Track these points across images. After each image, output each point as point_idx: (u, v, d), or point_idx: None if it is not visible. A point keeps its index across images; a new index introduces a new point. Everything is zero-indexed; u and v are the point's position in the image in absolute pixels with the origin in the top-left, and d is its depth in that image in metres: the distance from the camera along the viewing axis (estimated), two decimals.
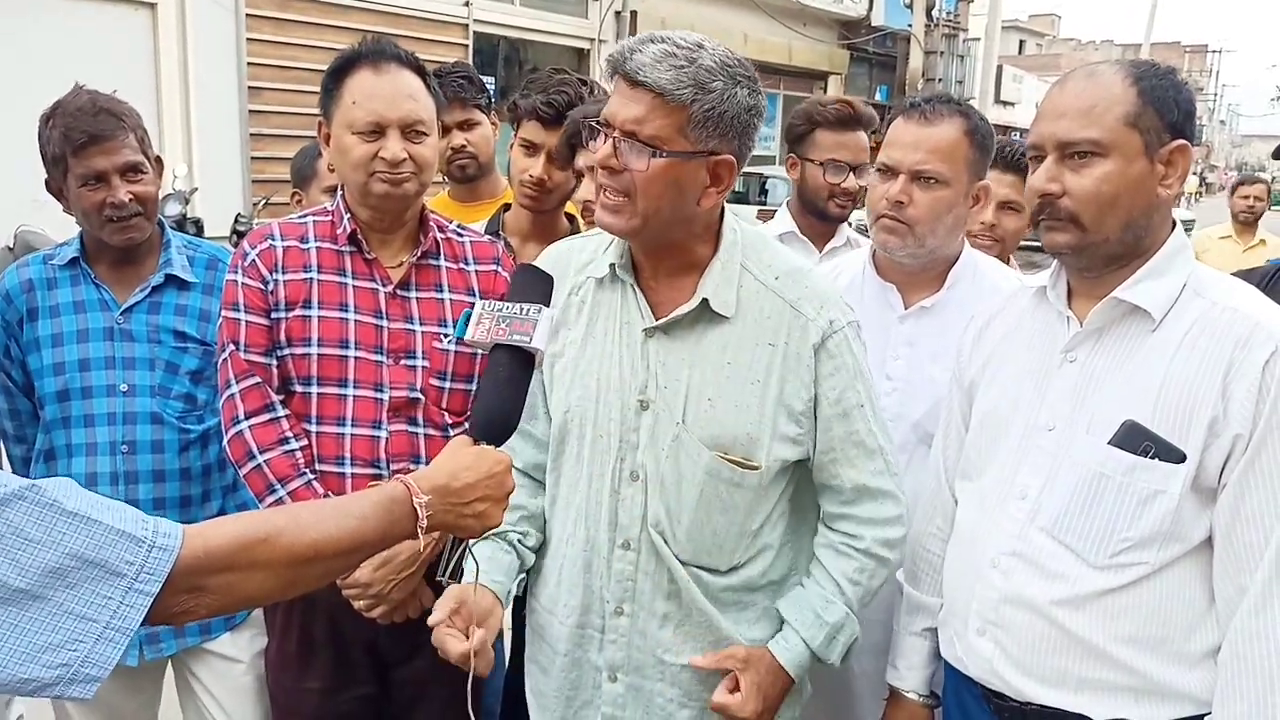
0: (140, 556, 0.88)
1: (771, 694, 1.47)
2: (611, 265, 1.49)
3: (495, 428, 1.26)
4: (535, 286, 1.33)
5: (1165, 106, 1.32)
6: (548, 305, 1.30)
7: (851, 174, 2.42)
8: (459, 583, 1.34)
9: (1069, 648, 1.36)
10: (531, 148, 2.19)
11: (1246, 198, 5.66)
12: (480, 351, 1.79)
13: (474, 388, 1.84)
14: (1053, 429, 1.41)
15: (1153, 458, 1.30)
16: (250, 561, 0.95)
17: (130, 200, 1.86)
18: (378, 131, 1.72)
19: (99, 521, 0.87)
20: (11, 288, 1.93)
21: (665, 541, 1.46)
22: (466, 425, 1.82)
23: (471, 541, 1.35)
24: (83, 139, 1.82)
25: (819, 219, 2.50)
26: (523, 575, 1.58)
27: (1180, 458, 1.29)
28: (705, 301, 1.43)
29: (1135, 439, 1.31)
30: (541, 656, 1.61)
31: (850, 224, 2.63)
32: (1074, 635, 1.35)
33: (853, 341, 1.47)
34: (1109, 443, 1.33)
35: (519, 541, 1.57)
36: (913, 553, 1.69)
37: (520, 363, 1.27)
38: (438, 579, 1.28)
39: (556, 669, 1.56)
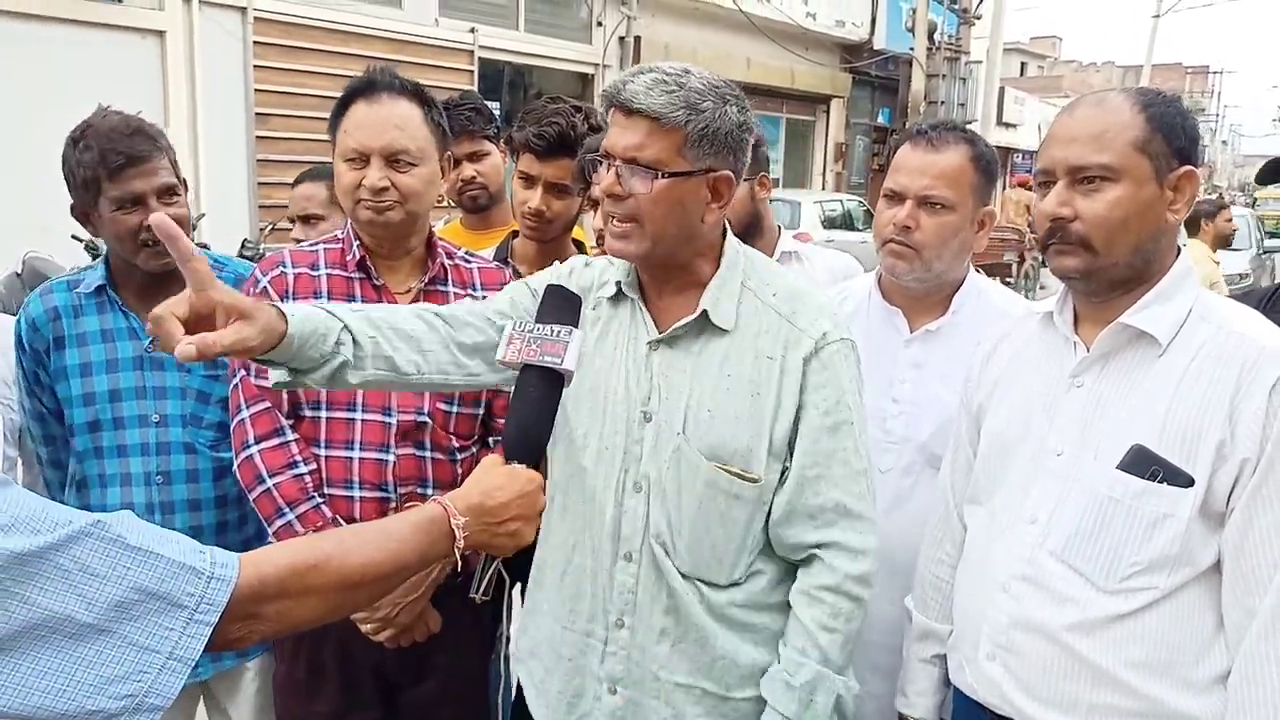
0: (200, 588, 0.90)
1: None
2: (618, 284, 1.52)
3: (526, 447, 1.28)
4: (565, 308, 1.36)
5: (1173, 133, 1.34)
6: (577, 326, 1.33)
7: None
8: (490, 599, 1.33)
9: (1079, 672, 1.35)
10: (529, 179, 2.20)
11: (1230, 220, 6.02)
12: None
13: (480, 412, 1.85)
14: (1061, 454, 1.41)
15: (1161, 482, 1.30)
16: (303, 588, 0.98)
17: None
18: (363, 159, 1.75)
19: (161, 555, 0.89)
20: (37, 315, 1.89)
21: (666, 553, 1.47)
22: (481, 446, 1.84)
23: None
24: (119, 161, 1.77)
25: None
26: (327, 350, 1.32)
27: (1188, 482, 1.29)
28: (705, 314, 1.46)
29: (1143, 463, 1.31)
30: (546, 655, 1.60)
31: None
32: (1084, 660, 1.35)
33: (846, 356, 1.47)
34: (1117, 467, 1.34)
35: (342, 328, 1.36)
36: (921, 578, 1.68)
37: (550, 383, 1.29)
38: (470, 596, 1.30)
39: (560, 672, 1.56)
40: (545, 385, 1.29)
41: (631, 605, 1.48)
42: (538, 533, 1.38)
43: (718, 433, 1.44)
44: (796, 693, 1.43)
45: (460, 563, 1.77)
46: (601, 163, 1.43)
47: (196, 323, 1.11)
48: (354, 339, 1.35)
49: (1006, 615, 1.43)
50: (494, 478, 1.22)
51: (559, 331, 1.30)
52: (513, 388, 1.34)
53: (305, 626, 1.04)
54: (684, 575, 1.47)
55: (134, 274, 1.89)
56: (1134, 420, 1.34)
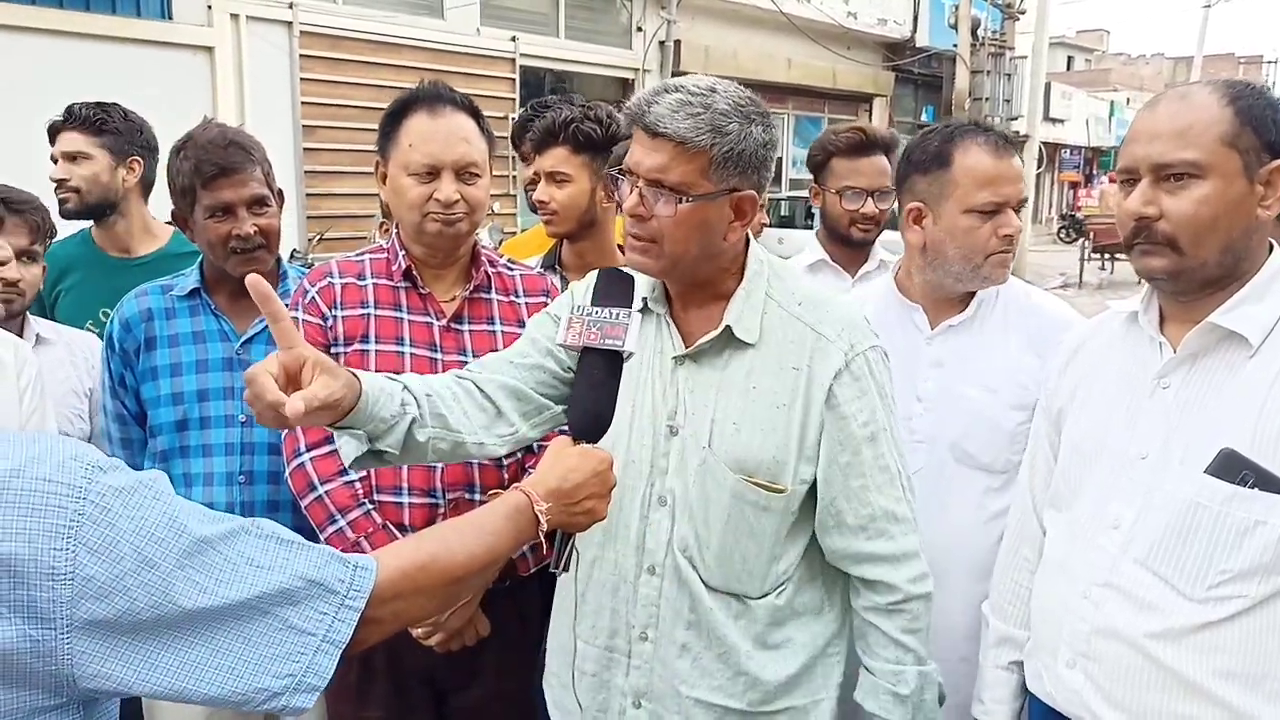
0: (349, 575, 0.97)
1: None
2: (644, 299, 1.51)
3: (593, 428, 1.31)
4: (620, 290, 1.38)
5: (1263, 126, 1.28)
6: (631, 307, 1.35)
7: (870, 199, 2.44)
8: (568, 571, 1.36)
9: (1163, 682, 1.31)
10: (536, 176, 2.28)
11: None
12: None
13: None
14: (1145, 457, 1.36)
15: (1252, 487, 1.25)
16: (414, 588, 1.03)
17: (255, 233, 1.89)
18: (433, 173, 1.75)
19: (312, 546, 0.98)
20: (131, 316, 1.94)
21: (694, 566, 1.46)
22: (525, 452, 1.84)
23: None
24: (213, 171, 1.85)
25: (845, 245, 2.53)
26: (396, 408, 1.32)
27: None
28: (729, 328, 1.44)
29: (1233, 468, 1.26)
30: (565, 672, 1.60)
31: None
32: (1169, 669, 1.30)
33: (876, 365, 1.46)
34: (1205, 472, 1.28)
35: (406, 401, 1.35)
36: (998, 583, 1.65)
37: (612, 364, 1.32)
38: (550, 571, 1.32)
39: (584, 688, 1.56)
40: (608, 367, 1.32)
41: (655, 618, 1.49)
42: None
43: (744, 445, 1.43)
44: (909, 700, 1.45)
45: (509, 567, 1.78)
46: (622, 178, 1.42)
47: (285, 382, 1.12)
48: (414, 396, 1.36)
49: (1088, 623, 1.38)
50: (568, 460, 1.25)
51: (618, 314, 1.32)
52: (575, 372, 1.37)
53: (415, 624, 1.08)
54: (713, 589, 1.46)
55: (225, 279, 1.95)
56: (1223, 423, 1.29)
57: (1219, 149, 1.27)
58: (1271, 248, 1.35)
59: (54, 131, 2.57)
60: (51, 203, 2.42)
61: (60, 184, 2.52)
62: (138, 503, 0.87)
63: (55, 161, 2.54)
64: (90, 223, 2.63)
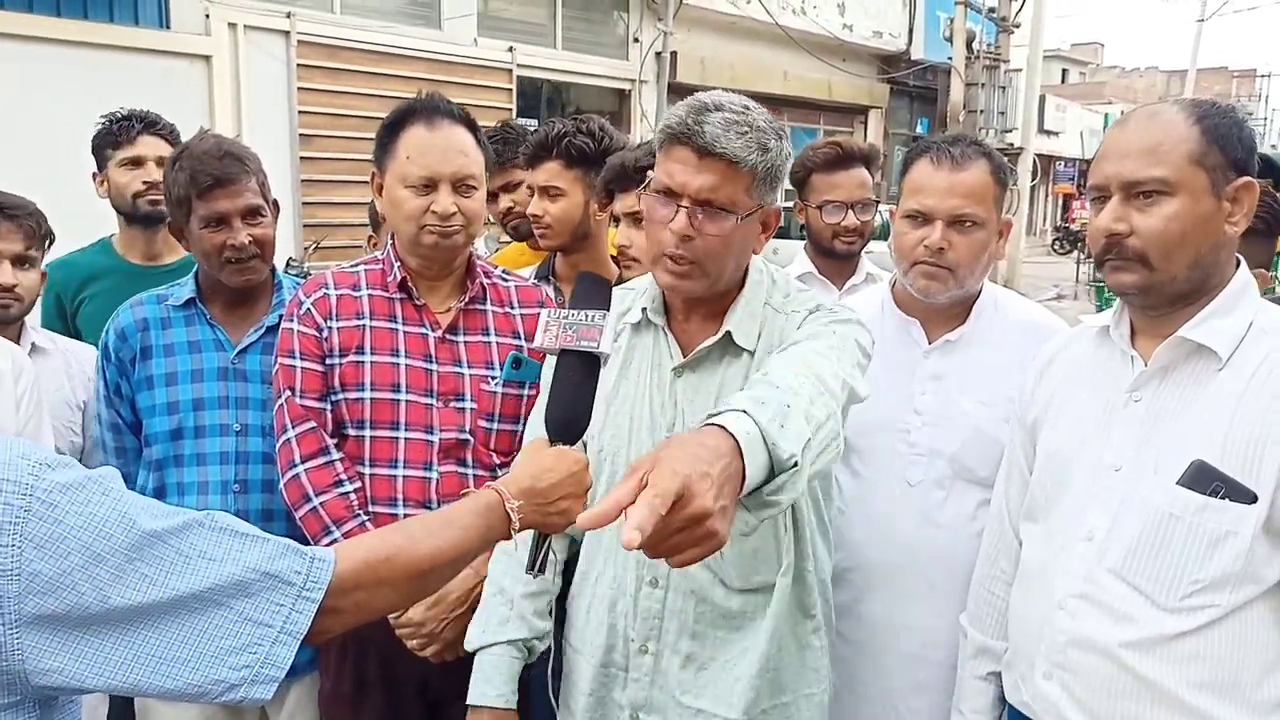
0: (305, 567, 0.98)
1: (711, 467, 0.96)
2: (644, 310, 1.52)
3: (570, 430, 1.31)
4: (596, 293, 1.39)
5: (1228, 144, 1.31)
6: (609, 309, 1.35)
7: (850, 211, 2.49)
8: (543, 575, 1.36)
9: (1138, 692, 1.33)
10: (530, 190, 2.29)
11: None
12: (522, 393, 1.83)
13: (520, 429, 1.86)
14: (1119, 469, 1.39)
15: (1223, 498, 1.27)
16: (377, 580, 1.03)
17: (250, 243, 1.90)
18: (430, 186, 1.77)
19: (268, 539, 0.98)
20: (127, 325, 1.96)
21: (713, 572, 1.46)
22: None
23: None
24: (208, 182, 1.86)
25: (830, 258, 2.57)
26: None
27: (1251, 498, 1.26)
28: (729, 335, 1.46)
29: (1204, 479, 1.29)
30: (569, 697, 1.61)
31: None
32: (1143, 679, 1.32)
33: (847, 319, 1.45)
34: (1177, 483, 1.31)
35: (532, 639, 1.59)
36: (976, 595, 1.67)
37: (587, 366, 1.32)
38: (526, 573, 1.32)
39: (581, 708, 1.56)
40: (584, 369, 1.32)
41: (656, 630, 1.49)
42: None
43: None
44: (768, 409, 1.07)
45: None
46: (644, 189, 1.43)
47: None
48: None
49: (1064, 633, 1.40)
50: (542, 460, 1.25)
51: (593, 316, 1.32)
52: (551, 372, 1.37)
53: (380, 615, 1.09)
54: (736, 589, 1.47)
55: (221, 289, 1.97)
56: (1194, 435, 1.31)
57: (1187, 167, 1.30)
58: (1238, 263, 1.39)
59: (131, 134, 2.60)
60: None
61: (154, 186, 2.55)
62: (85, 498, 0.88)
63: (138, 164, 2.58)
64: (114, 231, 2.67)
